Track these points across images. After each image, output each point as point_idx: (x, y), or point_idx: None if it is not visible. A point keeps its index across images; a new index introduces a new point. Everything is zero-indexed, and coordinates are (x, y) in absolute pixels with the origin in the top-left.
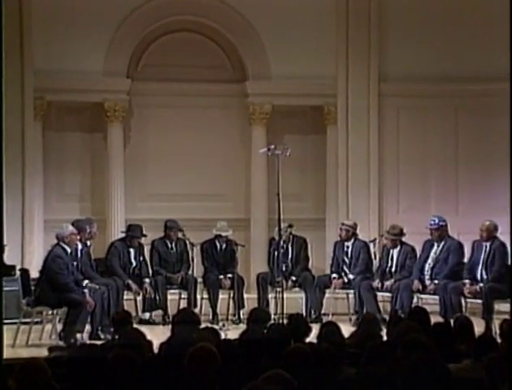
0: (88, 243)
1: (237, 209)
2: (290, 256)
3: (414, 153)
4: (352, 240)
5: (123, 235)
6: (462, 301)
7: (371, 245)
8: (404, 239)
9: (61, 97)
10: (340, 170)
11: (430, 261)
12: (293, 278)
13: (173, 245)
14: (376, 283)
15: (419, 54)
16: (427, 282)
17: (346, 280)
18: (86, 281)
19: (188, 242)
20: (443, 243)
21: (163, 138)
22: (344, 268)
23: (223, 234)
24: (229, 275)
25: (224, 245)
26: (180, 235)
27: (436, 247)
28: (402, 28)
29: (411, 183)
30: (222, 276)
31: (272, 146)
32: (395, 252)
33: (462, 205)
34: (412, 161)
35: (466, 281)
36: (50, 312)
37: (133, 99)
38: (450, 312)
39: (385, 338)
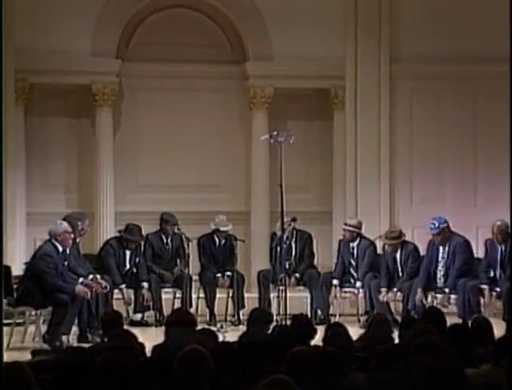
0: (78, 239)
1: (236, 201)
2: (294, 252)
3: (428, 141)
4: (357, 241)
5: (119, 233)
6: (481, 300)
7: (379, 242)
8: (418, 233)
9: (45, 79)
10: (348, 159)
11: (441, 267)
12: (297, 275)
13: (168, 240)
14: (382, 296)
15: (435, 31)
16: (438, 291)
17: (352, 283)
18: (90, 275)
19: (184, 237)
20: (448, 245)
21: (156, 124)
22: (351, 271)
23: (223, 229)
24: (228, 273)
25: (223, 241)
26: (175, 229)
27: (442, 250)
28: (416, 4)
29: (425, 173)
30: (220, 274)
31: (274, 133)
32: (397, 255)
33: (480, 196)
34: (426, 149)
35: (484, 286)
36: (34, 312)
37: (123, 81)
38: (468, 313)
39: (397, 341)
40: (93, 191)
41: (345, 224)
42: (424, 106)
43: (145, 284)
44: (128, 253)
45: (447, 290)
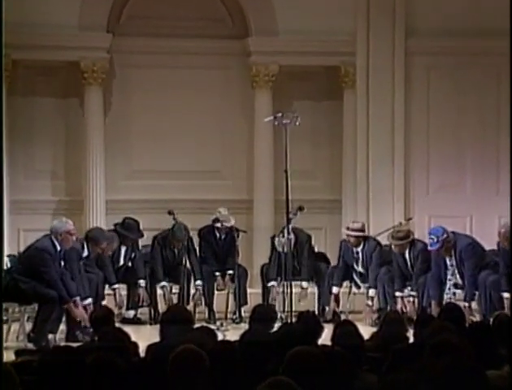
0: (85, 253)
1: (238, 188)
2: (291, 262)
3: (446, 123)
4: (361, 245)
5: (115, 227)
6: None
7: (388, 238)
8: (436, 223)
9: (29, 56)
10: (359, 142)
11: (450, 275)
12: (303, 284)
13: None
14: (399, 307)
15: (454, 2)
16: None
17: (357, 291)
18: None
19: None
20: (453, 252)
21: (150, 104)
22: (355, 277)
23: (225, 224)
24: (230, 272)
25: (224, 235)
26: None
27: (448, 259)
28: None
29: (443, 157)
30: (219, 273)
31: (279, 114)
32: (406, 255)
33: (503, 182)
34: (444, 131)
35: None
36: (17, 309)
37: (115, 58)
38: (489, 309)
39: (412, 340)
40: (82, 177)
41: (347, 228)
42: (442, 84)
43: (142, 282)
44: (123, 249)
45: (466, 303)
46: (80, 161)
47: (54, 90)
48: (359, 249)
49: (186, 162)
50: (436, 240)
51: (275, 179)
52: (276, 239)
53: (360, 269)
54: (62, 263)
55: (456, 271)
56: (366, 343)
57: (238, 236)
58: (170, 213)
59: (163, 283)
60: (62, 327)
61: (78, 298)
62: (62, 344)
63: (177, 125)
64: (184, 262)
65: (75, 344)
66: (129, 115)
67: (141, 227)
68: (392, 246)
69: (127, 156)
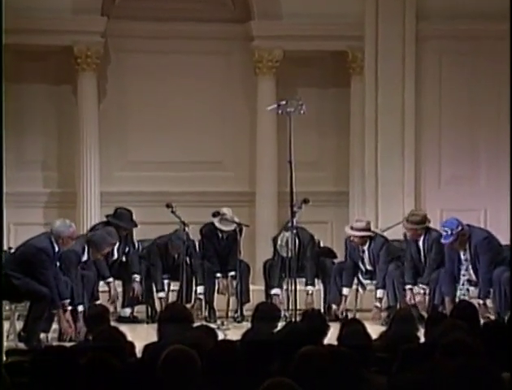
0: (85, 257)
1: (239, 180)
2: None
3: (459, 111)
4: (367, 243)
5: (107, 218)
6: None
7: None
8: (448, 217)
9: (20, 40)
10: (367, 132)
11: (464, 270)
12: (308, 288)
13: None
14: (409, 299)
15: None
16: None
17: (362, 292)
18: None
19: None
20: (468, 246)
21: (147, 92)
22: (360, 277)
23: (225, 229)
24: (232, 273)
25: (226, 234)
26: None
27: (462, 253)
28: None
29: (456, 148)
30: (220, 274)
31: (283, 102)
32: (420, 243)
33: None
34: (457, 120)
35: None
36: (8, 307)
37: (110, 42)
38: (504, 307)
39: (423, 339)
40: (75, 168)
41: (351, 228)
42: (456, 70)
43: (137, 277)
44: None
45: (480, 301)
46: (72, 151)
47: (46, 76)
48: (365, 247)
49: (185, 153)
50: (450, 232)
51: (279, 171)
52: (278, 242)
53: (367, 266)
54: (58, 264)
55: (470, 267)
56: (375, 342)
57: (241, 233)
58: (168, 206)
59: (161, 294)
60: (55, 325)
61: (67, 301)
62: (55, 343)
63: (175, 113)
64: (183, 259)
65: (68, 344)
66: (125, 103)
67: (138, 220)
68: (406, 231)
69: (122, 146)
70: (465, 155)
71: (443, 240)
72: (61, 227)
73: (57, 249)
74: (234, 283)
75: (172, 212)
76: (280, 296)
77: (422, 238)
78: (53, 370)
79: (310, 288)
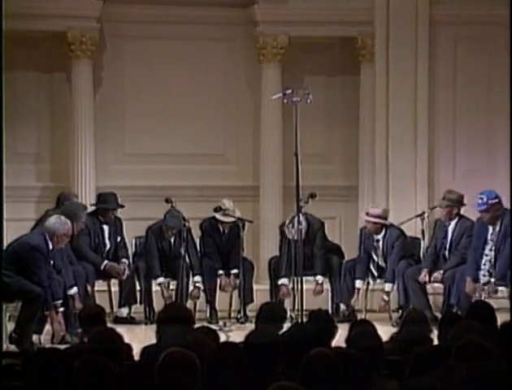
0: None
1: (243, 174)
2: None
3: (475, 100)
4: (383, 232)
5: (94, 208)
6: None
7: (420, 221)
8: (464, 211)
9: (10, 25)
10: (378, 122)
11: (488, 250)
12: (318, 278)
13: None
14: (423, 276)
15: None
16: (483, 279)
17: (372, 283)
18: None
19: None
20: (499, 224)
21: (146, 80)
22: (372, 269)
23: (225, 220)
24: (234, 271)
25: (228, 229)
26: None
27: (491, 231)
28: None
29: (472, 139)
30: (222, 272)
31: (289, 91)
32: (450, 227)
33: None
34: (473, 110)
35: None
36: None
37: (106, 27)
38: None
39: (436, 342)
40: (70, 161)
41: (367, 214)
42: (471, 57)
43: (125, 260)
44: (106, 228)
45: (492, 280)
46: (66, 143)
47: (38, 64)
48: (379, 236)
49: (185, 145)
50: (485, 200)
51: (284, 164)
52: (286, 224)
53: (379, 261)
54: (51, 262)
55: (493, 248)
56: (386, 345)
57: (244, 228)
58: (167, 201)
59: (161, 279)
60: (48, 327)
61: (60, 302)
62: (48, 346)
63: (175, 104)
64: (182, 254)
65: (62, 346)
66: (122, 92)
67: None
68: (440, 210)
69: (119, 138)
70: (481, 147)
71: (476, 208)
72: (56, 225)
73: (51, 246)
74: (237, 281)
75: (172, 207)
76: (289, 287)
77: (453, 223)
78: (46, 374)
79: (320, 277)
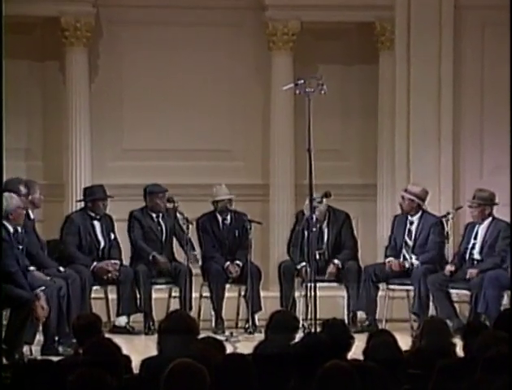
0: (32, 215)
1: (251, 171)
2: (326, 239)
3: (504, 90)
4: (418, 215)
5: (83, 204)
6: None
7: (444, 223)
8: (495, 211)
9: None
10: (398, 115)
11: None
12: (336, 262)
13: (160, 219)
14: (449, 268)
15: None
16: None
17: (408, 265)
18: (32, 268)
19: (181, 217)
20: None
21: (146, 69)
22: (405, 253)
23: (219, 198)
24: (238, 262)
25: (229, 220)
26: (169, 205)
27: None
28: None
29: (501, 133)
30: (228, 263)
31: (301, 81)
32: (481, 228)
33: None
34: (502, 101)
35: None
36: None
37: (102, 12)
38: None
39: (461, 354)
40: (63, 157)
41: (405, 190)
42: (499, 44)
43: (117, 262)
44: (97, 225)
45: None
46: (60, 137)
47: (29, 51)
48: (414, 218)
49: (189, 140)
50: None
51: (296, 160)
52: (305, 202)
53: (411, 242)
54: (20, 247)
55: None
56: (406, 357)
57: (251, 229)
58: (169, 200)
59: (154, 253)
60: (39, 337)
61: (40, 290)
62: (39, 357)
63: (178, 94)
64: (167, 230)
65: (55, 358)
66: (120, 83)
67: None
68: (471, 210)
69: (117, 132)
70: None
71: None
72: (4, 203)
73: (11, 228)
74: (243, 288)
75: (174, 207)
76: (307, 269)
77: (486, 224)
78: (37, 388)
79: (337, 261)
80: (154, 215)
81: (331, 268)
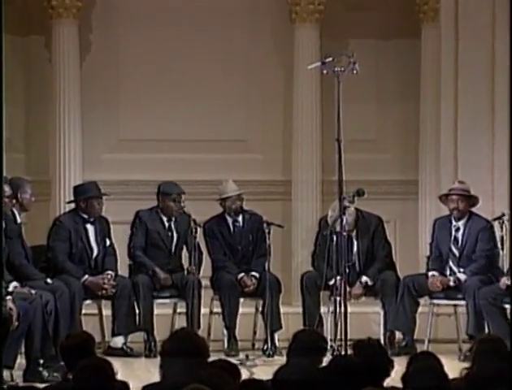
0: (18, 218)
1: (271, 165)
2: (356, 249)
3: None
4: (465, 218)
5: (73, 206)
6: None
7: (496, 226)
8: None
9: None
10: (444, 100)
11: None
12: (365, 279)
13: (172, 224)
14: (502, 284)
15: None
16: None
17: (453, 283)
18: (14, 284)
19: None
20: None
21: (145, 46)
22: (451, 264)
23: (225, 196)
24: (253, 273)
25: (240, 222)
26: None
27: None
28: None
29: None
30: (243, 274)
31: (329, 59)
32: None
33: None
34: None
35: None
36: None
37: None
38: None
39: None
40: (50, 149)
41: (450, 190)
42: None
43: (110, 272)
44: (90, 229)
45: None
46: (46, 126)
47: (10, 24)
48: (460, 223)
49: (196, 129)
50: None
51: (324, 152)
52: (329, 214)
53: (457, 251)
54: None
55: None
56: (454, 385)
57: (269, 232)
58: (174, 199)
59: (155, 267)
60: (20, 359)
61: (13, 284)
62: (21, 383)
63: (183, 76)
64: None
65: (39, 385)
66: (115, 61)
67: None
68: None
69: (112, 120)
70: None
71: None
72: None
73: None
74: (260, 303)
75: (180, 208)
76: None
77: None
78: None
79: (365, 278)
80: (164, 219)
81: (355, 289)
